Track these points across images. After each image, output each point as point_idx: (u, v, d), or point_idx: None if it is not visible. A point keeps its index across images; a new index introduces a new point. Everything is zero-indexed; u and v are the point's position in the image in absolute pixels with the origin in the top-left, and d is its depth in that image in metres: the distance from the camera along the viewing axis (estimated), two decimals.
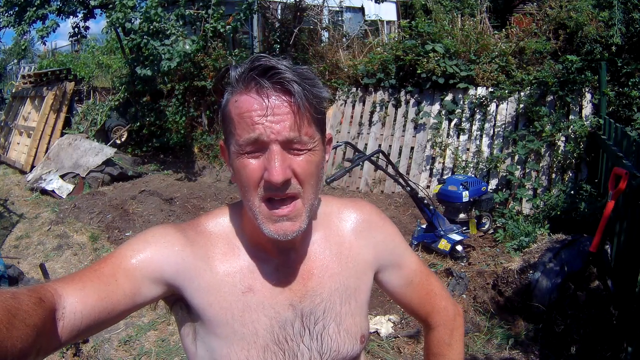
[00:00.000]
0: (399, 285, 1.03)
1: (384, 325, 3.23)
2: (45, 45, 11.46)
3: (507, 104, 5.68)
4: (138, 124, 8.51)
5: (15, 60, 16.26)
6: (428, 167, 6.06)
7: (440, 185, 4.70)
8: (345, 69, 7.14)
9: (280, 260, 0.89)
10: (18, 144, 8.97)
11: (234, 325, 0.84)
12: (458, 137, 5.93)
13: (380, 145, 6.38)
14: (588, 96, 5.22)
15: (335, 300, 0.92)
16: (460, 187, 4.48)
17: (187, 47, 6.63)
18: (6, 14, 7.60)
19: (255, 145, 0.77)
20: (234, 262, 0.87)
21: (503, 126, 5.64)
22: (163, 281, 0.83)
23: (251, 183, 0.79)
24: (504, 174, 5.40)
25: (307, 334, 0.89)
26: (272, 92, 0.76)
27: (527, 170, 5.26)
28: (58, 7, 7.47)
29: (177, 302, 0.88)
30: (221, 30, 7.31)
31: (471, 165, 5.68)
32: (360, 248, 0.96)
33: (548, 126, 5.21)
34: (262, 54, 0.80)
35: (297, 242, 0.90)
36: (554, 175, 5.15)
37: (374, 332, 3.19)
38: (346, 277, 0.93)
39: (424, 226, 4.33)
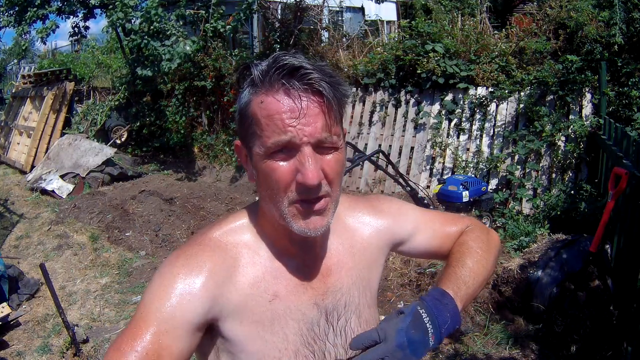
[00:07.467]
0: (419, 247, 1.07)
1: None
2: (45, 45, 11.48)
3: (507, 103, 5.67)
4: (138, 124, 8.52)
5: (15, 60, 16.26)
6: (428, 167, 6.05)
7: (440, 185, 4.70)
8: (345, 69, 7.14)
9: (299, 260, 0.88)
10: (18, 144, 8.97)
11: (265, 336, 0.83)
12: (458, 137, 5.92)
13: (380, 145, 6.37)
14: (588, 96, 5.21)
15: (353, 294, 0.93)
16: (460, 187, 4.48)
17: (188, 47, 6.62)
18: (6, 14, 7.60)
19: (286, 148, 0.75)
20: (256, 270, 0.85)
21: (503, 126, 5.63)
22: (201, 328, 0.79)
23: (281, 186, 0.76)
24: (504, 174, 5.39)
25: (332, 331, 0.89)
26: (303, 93, 0.74)
27: (527, 170, 5.25)
28: (58, 7, 7.47)
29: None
30: (221, 30, 7.31)
31: (471, 165, 5.67)
32: (370, 238, 0.98)
33: (548, 126, 5.20)
34: (283, 53, 0.77)
35: (318, 239, 0.88)
36: (554, 175, 5.15)
37: None
38: (360, 270, 0.95)
39: None
